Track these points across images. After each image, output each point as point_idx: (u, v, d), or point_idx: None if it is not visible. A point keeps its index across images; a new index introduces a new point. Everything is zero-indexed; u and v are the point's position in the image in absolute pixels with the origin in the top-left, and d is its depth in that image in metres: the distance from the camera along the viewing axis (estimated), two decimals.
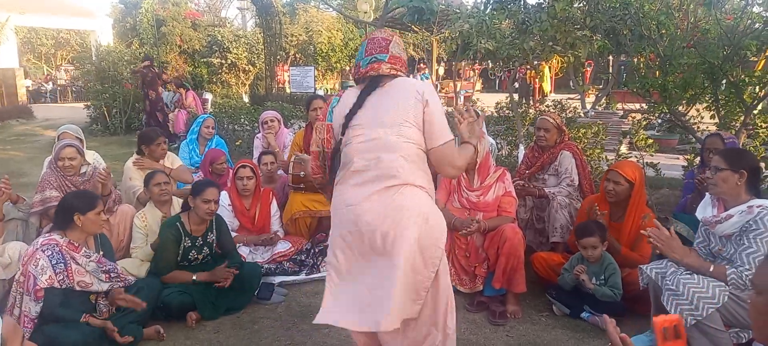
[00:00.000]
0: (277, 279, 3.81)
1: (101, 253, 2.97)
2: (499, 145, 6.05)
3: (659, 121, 6.89)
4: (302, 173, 4.28)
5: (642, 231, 2.82)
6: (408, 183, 2.14)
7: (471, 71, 21.24)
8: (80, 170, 3.90)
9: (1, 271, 3.02)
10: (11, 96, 16.37)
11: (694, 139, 5.45)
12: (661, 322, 1.40)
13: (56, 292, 2.74)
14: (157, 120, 10.21)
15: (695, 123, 5.76)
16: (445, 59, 18.17)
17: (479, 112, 4.49)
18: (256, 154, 5.20)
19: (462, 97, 16.26)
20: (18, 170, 7.79)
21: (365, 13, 12.67)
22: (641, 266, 2.89)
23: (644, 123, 6.09)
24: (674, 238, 2.69)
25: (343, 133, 2.24)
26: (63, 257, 2.79)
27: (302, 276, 3.92)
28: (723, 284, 2.49)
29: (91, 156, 4.58)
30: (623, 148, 6.58)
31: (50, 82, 22.87)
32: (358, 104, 2.22)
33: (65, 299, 2.78)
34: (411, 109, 2.17)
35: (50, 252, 2.76)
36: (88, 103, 12.32)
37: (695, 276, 2.56)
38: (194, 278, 3.39)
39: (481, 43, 5.12)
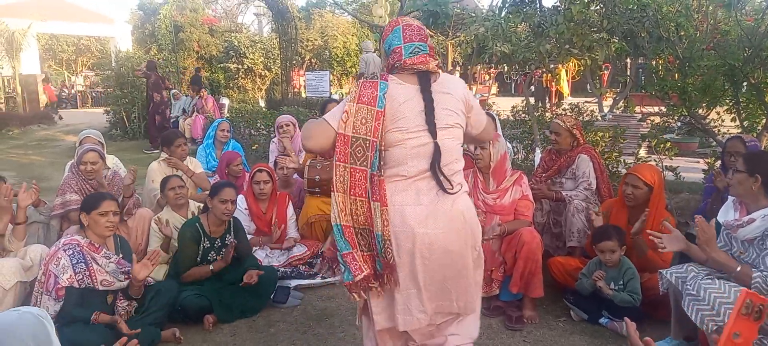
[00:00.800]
0: (293, 283, 3.82)
1: (120, 255, 3.01)
2: (516, 149, 6.01)
3: (679, 124, 6.80)
4: (318, 176, 4.30)
5: (651, 237, 2.78)
6: (462, 190, 2.13)
7: (486, 75, 21.17)
8: (100, 175, 3.96)
9: (23, 273, 3.07)
10: (33, 102, 16.71)
11: (714, 143, 5.36)
12: (748, 294, 1.36)
13: (75, 292, 2.79)
14: (154, 122, 10.36)
15: (716, 126, 5.67)
16: (461, 63, 18.13)
17: (494, 115, 4.48)
18: (272, 158, 5.23)
19: (477, 101, 16.23)
20: (40, 175, 7.93)
21: (380, 17, 12.69)
22: (661, 270, 2.85)
23: (663, 126, 6.01)
24: (712, 229, 2.63)
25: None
26: (84, 257, 2.84)
27: (318, 280, 3.93)
28: (744, 288, 2.44)
29: (112, 160, 4.66)
30: (642, 152, 6.50)
31: (72, 88, 23.29)
32: (428, 105, 2.05)
33: (82, 299, 2.82)
34: (460, 109, 2.15)
35: (71, 252, 2.81)
36: (108, 109, 12.52)
37: (716, 281, 2.52)
38: (211, 267, 3.46)
39: (496, 46, 5.10)
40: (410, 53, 2.07)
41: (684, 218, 4.45)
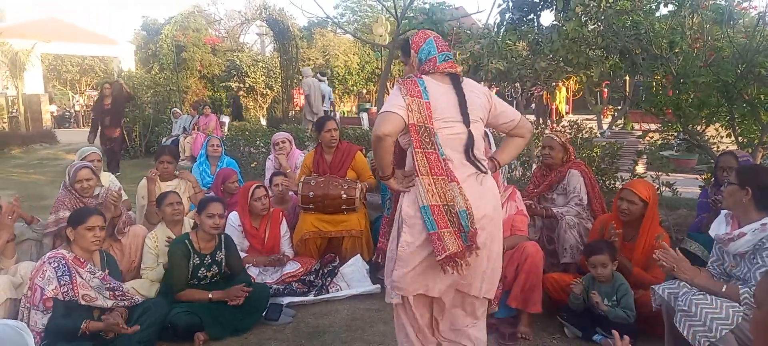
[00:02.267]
0: (286, 300, 3.80)
1: (106, 271, 3.00)
2: (513, 166, 6.00)
3: (678, 141, 6.78)
4: (312, 193, 4.30)
5: (653, 254, 2.77)
6: (490, 172, 2.49)
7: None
8: (93, 192, 3.96)
9: (12, 290, 3.06)
10: (36, 121, 16.84)
11: (712, 159, 5.34)
12: None
13: (59, 304, 2.78)
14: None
15: (714, 143, 5.66)
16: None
17: (488, 132, 4.48)
18: (268, 175, 5.24)
19: (500, 100, 16.23)
20: (39, 193, 7.95)
21: (380, 36, 12.81)
22: (653, 286, 2.82)
23: (660, 143, 6.00)
24: (683, 259, 2.64)
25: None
26: (68, 270, 2.84)
27: (311, 297, 3.90)
28: (736, 304, 2.41)
29: (107, 178, 4.66)
30: (640, 168, 6.48)
31: (72, 108, 23.46)
32: (461, 99, 2.40)
33: (68, 313, 2.81)
34: (483, 107, 2.47)
35: (56, 264, 2.83)
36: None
37: (708, 297, 2.49)
38: (210, 296, 3.40)
39: (492, 63, 5.13)
40: (443, 59, 2.45)
41: (681, 234, 4.42)
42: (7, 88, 16.68)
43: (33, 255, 3.75)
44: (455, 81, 2.44)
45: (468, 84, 2.48)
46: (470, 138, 2.39)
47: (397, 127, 2.29)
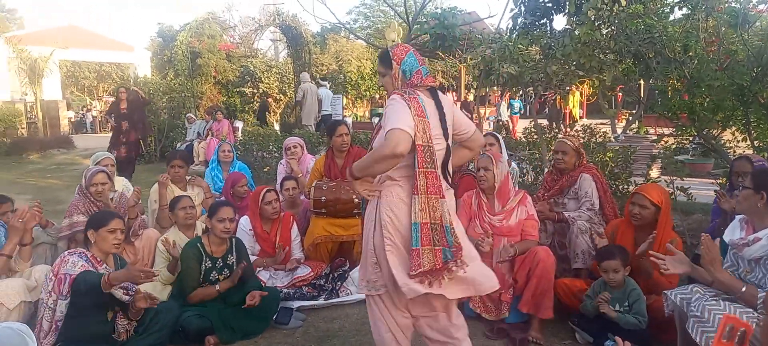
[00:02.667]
0: (296, 304, 3.81)
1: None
2: (525, 170, 5.97)
3: (693, 145, 6.70)
4: (323, 197, 4.31)
5: (653, 258, 2.73)
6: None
7: (500, 97, 21.15)
8: (107, 197, 4.01)
9: (27, 293, 3.11)
10: (54, 127, 17.10)
11: (727, 163, 5.28)
12: (729, 318, 1.34)
13: (81, 281, 2.79)
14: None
15: (730, 147, 5.59)
16: (474, 86, 18.17)
17: (498, 136, 4.47)
18: (279, 180, 5.26)
19: (491, 124, 16.21)
20: (55, 198, 8.07)
21: (393, 41, 12.82)
22: (666, 291, 2.79)
23: (674, 147, 5.94)
24: (716, 248, 2.58)
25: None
26: (89, 262, 2.93)
27: (321, 301, 3.91)
28: (750, 310, 2.37)
29: (121, 183, 4.73)
30: (654, 173, 6.41)
31: (89, 113, 23.77)
32: (442, 114, 2.45)
33: (91, 289, 2.81)
34: (452, 118, 2.51)
35: (78, 255, 2.92)
36: None
37: (721, 302, 2.45)
38: (217, 287, 3.47)
39: (503, 67, 5.11)
40: (426, 73, 2.48)
41: (696, 239, 4.37)
42: (26, 95, 16.96)
43: (47, 258, 3.81)
44: (435, 95, 2.47)
45: (443, 97, 2.52)
46: (448, 152, 2.47)
47: (408, 148, 2.28)
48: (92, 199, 3.94)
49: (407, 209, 2.36)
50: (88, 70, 27.44)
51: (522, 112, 18.13)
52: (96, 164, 4.47)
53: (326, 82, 13.85)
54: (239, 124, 13.28)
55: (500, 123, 15.55)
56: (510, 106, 17.06)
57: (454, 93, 18.33)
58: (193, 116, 12.23)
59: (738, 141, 5.64)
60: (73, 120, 22.21)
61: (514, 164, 4.33)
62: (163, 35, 21.62)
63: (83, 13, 60.37)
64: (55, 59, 16.37)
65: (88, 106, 24.80)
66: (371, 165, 2.35)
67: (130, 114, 9.58)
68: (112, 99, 26.49)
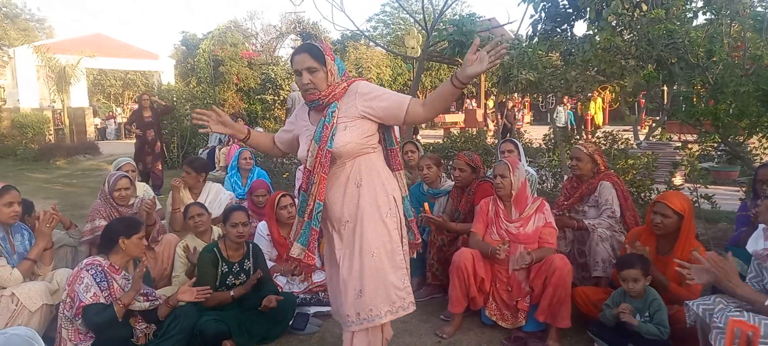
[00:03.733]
0: (312, 309, 3.82)
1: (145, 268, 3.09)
2: (544, 177, 5.92)
3: (718, 152, 6.55)
4: None
5: (677, 267, 2.66)
6: None
7: (520, 104, 20.99)
8: (129, 202, 4.08)
9: (49, 296, 3.17)
10: (81, 133, 17.47)
11: (752, 171, 5.15)
12: (736, 322, 1.31)
13: (94, 305, 2.87)
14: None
15: (757, 154, 5.45)
16: (494, 92, 18.06)
17: (516, 143, 4.43)
18: (297, 185, 5.29)
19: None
20: (79, 203, 8.23)
21: (412, 48, 12.85)
22: (687, 302, 2.73)
23: (697, 153, 5.82)
24: (732, 262, 2.52)
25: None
26: (106, 276, 2.96)
27: None
28: None
29: (142, 189, 4.80)
30: (677, 180, 6.29)
31: (112, 120, 24.22)
32: None
33: (104, 308, 2.90)
34: None
35: (94, 271, 2.94)
36: None
37: (745, 313, 2.39)
38: (232, 293, 3.49)
39: (521, 74, 5.08)
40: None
41: (721, 248, 4.27)
42: (54, 102, 17.37)
43: (69, 261, 3.88)
44: None
45: None
46: None
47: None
48: (115, 204, 4.01)
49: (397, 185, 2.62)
50: (114, 78, 28.01)
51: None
52: (118, 170, 4.56)
53: None
54: (260, 131, 13.41)
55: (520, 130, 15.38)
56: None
57: (473, 99, 18.25)
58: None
59: (765, 148, 5.50)
60: (99, 127, 22.67)
61: (532, 171, 4.28)
62: (187, 43, 22.02)
63: (110, 21, 61.73)
64: (82, 67, 16.74)
65: (112, 113, 25.23)
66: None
67: (156, 122, 9.05)
68: (136, 106, 27.04)
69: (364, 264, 2.46)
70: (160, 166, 8.95)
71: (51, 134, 16.41)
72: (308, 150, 2.43)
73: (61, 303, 2.96)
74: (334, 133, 2.39)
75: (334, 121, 2.39)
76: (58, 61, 16.08)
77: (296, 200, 4.46)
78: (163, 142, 9.50)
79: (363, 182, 2.47)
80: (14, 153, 14.36)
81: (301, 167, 5.54)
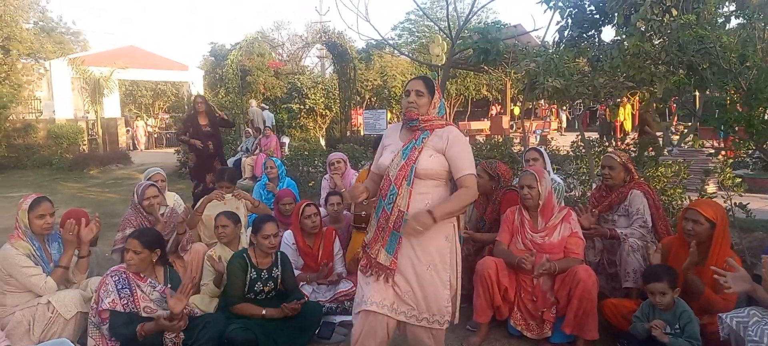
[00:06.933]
0: (338, 318, 3.83)
1: (169, 286, 3.14)
2: (571, 186, 5.83)
3: (753, 159, 6.38)
4: (364, 212, 4.34)
5: (714, 275, 2.60)
6: None
7: (548, 111, 20.77)
8: (159, 211, 4.16)
9: (83, 304, 3.26)
10: (113, 143, 17.93)
11: None
12: None
13: (121, 315, 2.97)
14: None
15: None
16: (520, 99, 17.93)
17: (542, 151, 4.38)
18: (323, 195, 5.33)
19: (538, 136, 15.92)
20: (111, 211, 8.42)
21: (437, 56, 12.84)
22: (721, 314, 2.66)
23: (731, 161, 5.67)
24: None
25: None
26: (129, 283, 3.04)
27: None
28: None
29: (172, 198, 4.89)
30: (711, 188, 6.14)
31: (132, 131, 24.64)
32: None
33: (127, 322, 2.98)
34: None
35: (117, 278, 3.03)
36: (179, 149, 13.20)
37: None
38: (264, 312, 3.50)
39: (548, 81, 5.02)
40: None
41: (756, 258, 4.15)
42: (88, 113, 17.86)
43: (104, 270, 3.97)
44: None
45: None
46: None
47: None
48: (144, 213, 4.10)
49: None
50: (145, 89, 28.65)
51: None
52: (148, 179, 4.66)
53: (266, 106, 16.96)
54: (286, 140, 13.57)
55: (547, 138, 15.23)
56: None
57: (499, 106, 18.14)
58: (249, 130, 12.64)
59: None
60: (132, 136, 23.17)
61: (558, 179, 4.23)
62: (215, 53, 22.42)
63: (142, 31, 63.26)
64: (115, 79, 17.19)
65: (133, 125, 25.29)
66: (457, 210, 2.67)
67: (215, 132, 7.16)
68: (167, 116, 27.63)
69: (423, 276, 2.76)
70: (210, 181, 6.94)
71: (85, 144, 16.87)
72: (393, 160, 2.72)
73: (90, 309, 3.04)
74: (420, 156, 2.68)
75: (423, 146, 2.70)
76: (92, 73, 16.55)
77: (321, 209, 4.52)
78: (222, 159, 7.41)
79: (433, 204, 2.69)
80: (50, 163, 14.79)
81: (327, 176, 5.62)
